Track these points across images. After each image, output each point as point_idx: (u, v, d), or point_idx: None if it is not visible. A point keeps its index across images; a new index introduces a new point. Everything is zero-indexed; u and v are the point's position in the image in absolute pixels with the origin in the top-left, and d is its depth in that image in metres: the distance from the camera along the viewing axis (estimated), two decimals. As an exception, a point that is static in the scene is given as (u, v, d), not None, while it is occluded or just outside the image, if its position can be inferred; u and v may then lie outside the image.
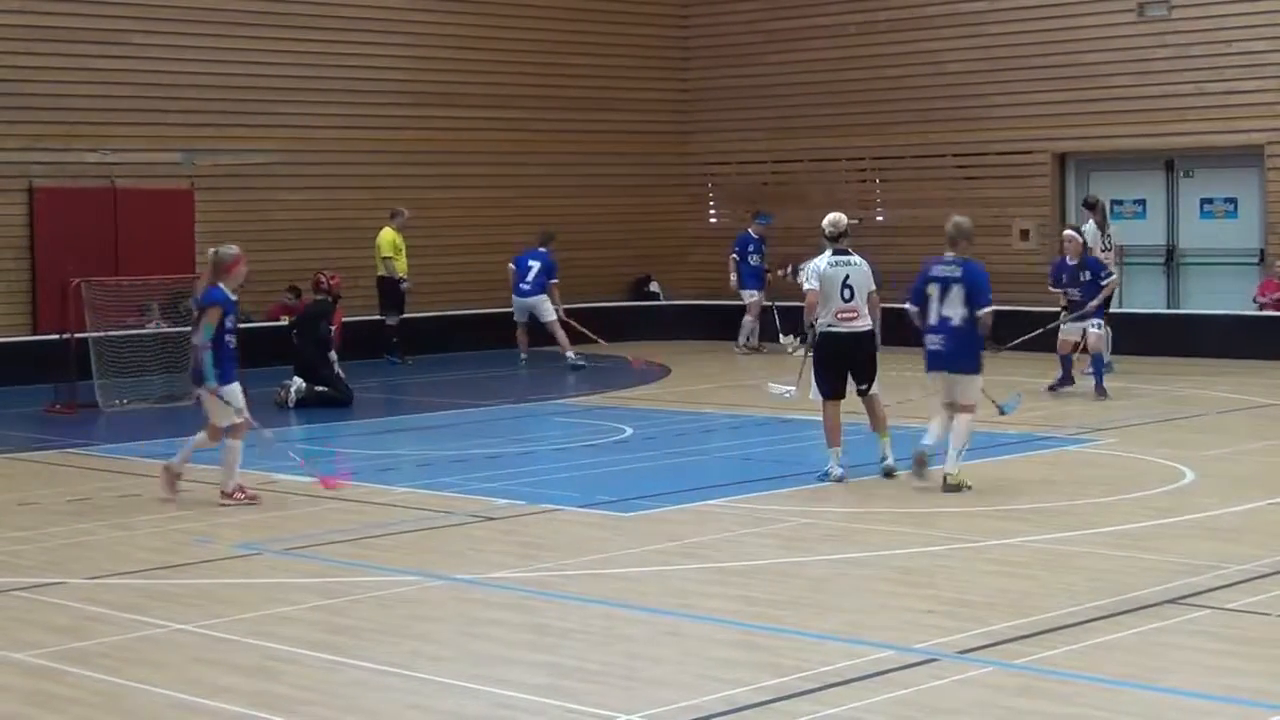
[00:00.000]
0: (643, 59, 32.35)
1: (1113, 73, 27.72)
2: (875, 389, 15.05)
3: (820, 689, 8.43)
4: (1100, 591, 10.45)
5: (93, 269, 22.56)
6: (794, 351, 17.80)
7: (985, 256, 16.92)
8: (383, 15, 28.89)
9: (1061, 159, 28.75)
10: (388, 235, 26.48)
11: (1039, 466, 15.88)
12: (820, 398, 14.94)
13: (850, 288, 14.80)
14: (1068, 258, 21.48)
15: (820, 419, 15.07)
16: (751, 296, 28.18)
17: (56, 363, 21.74)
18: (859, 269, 14.93)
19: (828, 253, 14.97)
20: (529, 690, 8.54)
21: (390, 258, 26.34)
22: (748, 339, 28.09)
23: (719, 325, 29.63)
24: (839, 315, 14.80)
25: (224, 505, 14.09)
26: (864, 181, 30.94)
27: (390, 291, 26.36)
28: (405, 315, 26.66)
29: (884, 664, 8.89)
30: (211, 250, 15.03)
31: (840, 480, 14.62)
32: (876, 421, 15.13)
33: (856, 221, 17.12)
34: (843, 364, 14.91)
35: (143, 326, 23.24)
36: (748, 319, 28.14)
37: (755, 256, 28.39)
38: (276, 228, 27.27)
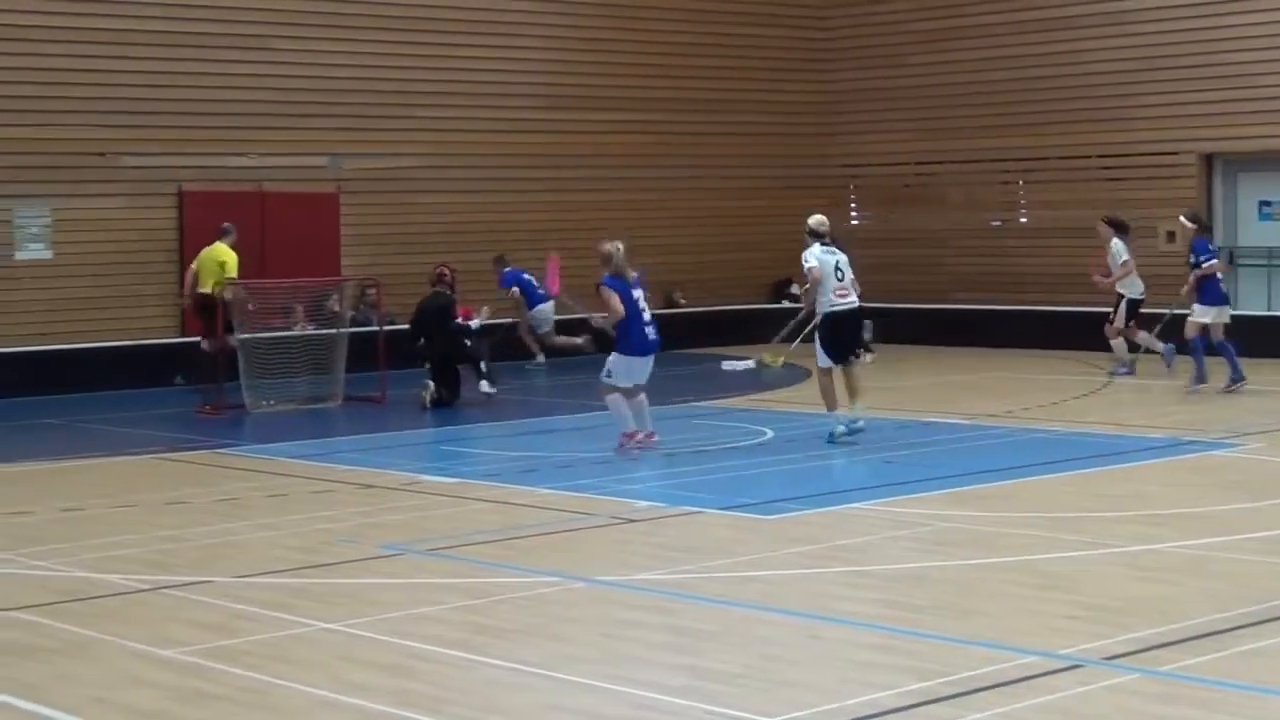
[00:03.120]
0: (783, 60, 32.29)
1: (1260, 71, 27.30)
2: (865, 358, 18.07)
3: (965, 694, 8.38)
4: (1246, 598, 10.31)
5: (241, 272, 22.85)
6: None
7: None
8: (524, 20, 29.06)
9: (1208, 160, 28.35)
10: None
11: (1183, 471, 15.69)
12: (829, 364, 17.37)
13: (841, 270, 17.37)
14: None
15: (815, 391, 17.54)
16: None
17: (205, 365, 22.09)
18: (844, 258, 17.56)
19: (816, 246, 17.41)
20: (668, 692, 8.55)
21: None
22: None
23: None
24: (837, 294, 17.32)
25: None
26: (1006, 184, 30.68)
27: None
28: (556, 318, 26.81)
29: (1029, 669, 8.82)
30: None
31: (844, 436, 17.13)
32: (854, 388, 17.48)
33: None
34: (845, 336, 17.50)
35: (288, 329, 23.53)
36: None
37: None
38: (419, 231, 27.52)
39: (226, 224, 23.29)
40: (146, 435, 19.59)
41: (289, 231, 25.89)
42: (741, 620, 10.13)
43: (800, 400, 21.79)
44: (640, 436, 17.05)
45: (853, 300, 17.53)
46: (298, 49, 26.64)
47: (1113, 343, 23.43)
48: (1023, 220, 30.26)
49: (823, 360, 17.46)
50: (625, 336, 16.98)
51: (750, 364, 18.23)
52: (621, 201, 29.84)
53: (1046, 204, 29.82)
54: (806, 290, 17.88)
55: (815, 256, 17.36)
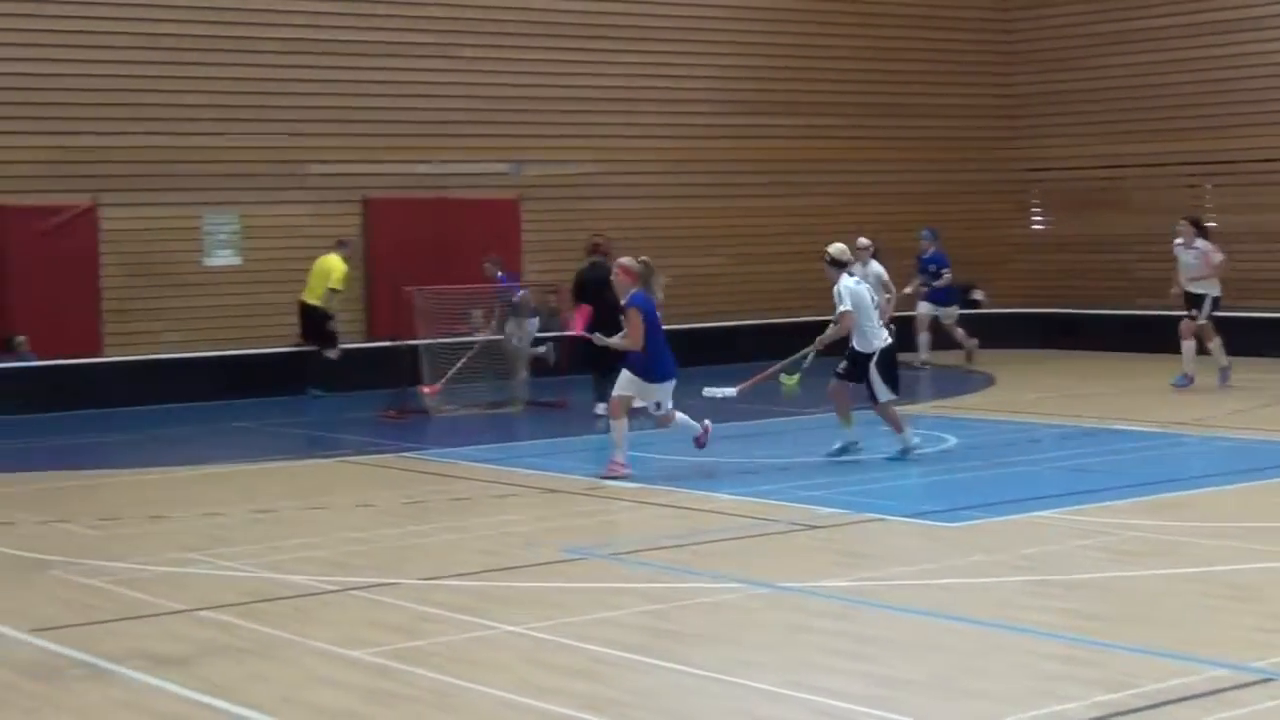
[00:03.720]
0: (964, 64, 32.07)
1: None
2: None
3: (1153, 707, 8.26)
4: None
5: (423, 277, 23.15)
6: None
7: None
8: (706, 25, 29.13)
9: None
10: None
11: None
12: (891, 397, 16.64)
13: (875, 303, 16.88)
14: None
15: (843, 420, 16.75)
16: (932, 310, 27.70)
17: (389, 368, 22.39)
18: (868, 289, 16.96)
19: (845, 279, 16.52)
20: (849, 699, 8.53)
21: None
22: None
23: (1046, 333, 29.21)
24: (880, 327, 16.67)
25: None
26: (1192, 187, 30.19)
27: None
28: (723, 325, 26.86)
29: (1219, 683, 8.68)
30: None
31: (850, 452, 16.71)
32: (844, 413, 16.90)
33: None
34: (894, 366, 16.82)
35: (471, 333, 23.78)
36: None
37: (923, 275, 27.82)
38: (598, 234, 27.62)
39: (345, 239, 23.92)
40: (334, 439, 19.89)
41: (470, 238, 26.14)
42: (923, 628, 10.07)
43: (985, 407, 21.62)
44: (625, 471, 15.96)
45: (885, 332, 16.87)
46: (481, 57, 26.92)
47: (1186, 344, 22.74)
48: (1211, 224, 29.76)
49: (885, 395, 16.62)
50: (644, 361, 16.04)
51: (730, 392, 17.17)
52: (800, 207, 29.82)
53: (1235, 208, 29.30)
54: (836, 326, 16.58)
55: (849, 293, 16.43)
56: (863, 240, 24.62)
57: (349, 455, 18.42)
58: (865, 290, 16.65)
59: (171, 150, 24.60)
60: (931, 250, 27.50)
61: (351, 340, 25.43)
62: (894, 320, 20.04)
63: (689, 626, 10.26)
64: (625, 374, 16.05)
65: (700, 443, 16.58)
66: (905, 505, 14.26)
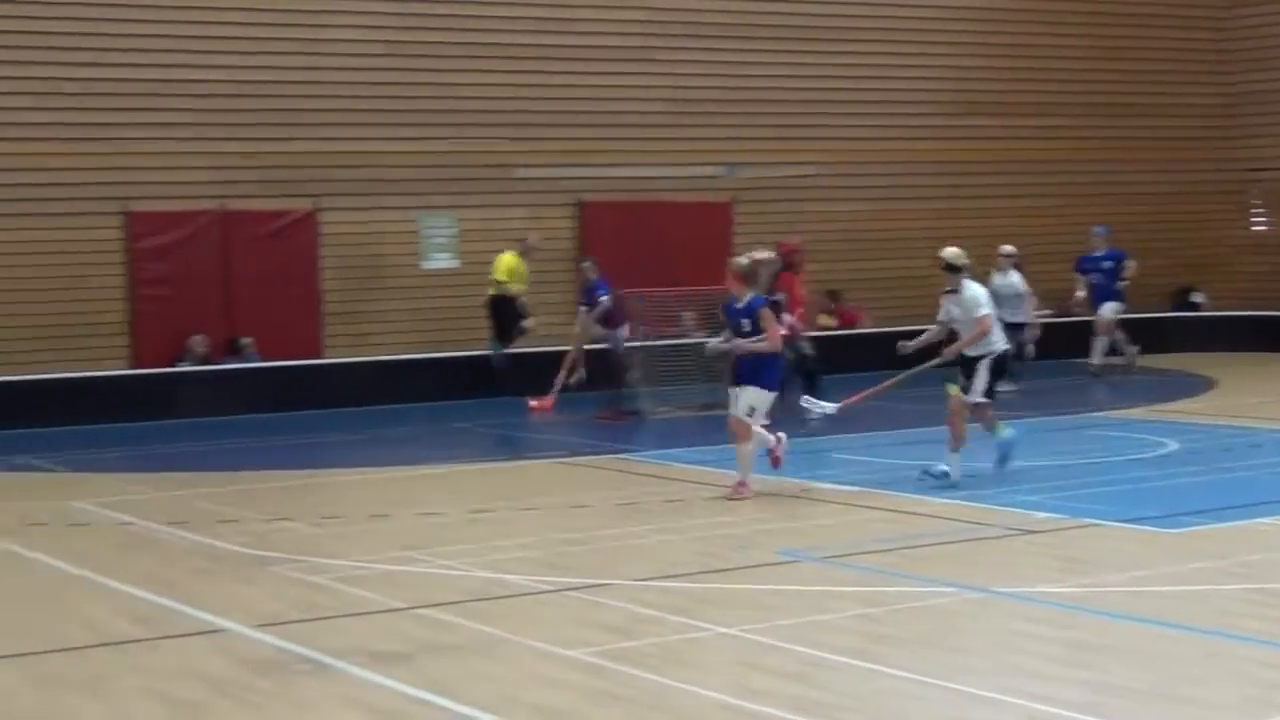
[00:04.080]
0: (1181, 64, 31.52)
1: None
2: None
3: (1377, 717, 8.11)
4: None
5: (636, 280, 23.29)
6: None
7: None
8: (926, 25, 28.99)
9: None
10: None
11: None
12: (984, 400, 15.85)
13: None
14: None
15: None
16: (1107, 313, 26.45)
17: (603, 371, 22.57)
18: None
19: (972, 284, 15.92)
20: (1067, 706, 8.46)
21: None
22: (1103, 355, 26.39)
23: (1266, 336, 28.62)
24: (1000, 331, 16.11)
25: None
26: None
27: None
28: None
29: None
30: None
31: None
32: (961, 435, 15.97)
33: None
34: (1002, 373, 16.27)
35: (684, 336, 23.86)
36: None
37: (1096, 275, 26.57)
38: (814, 240, 27.56)
39: (525, 238, 24.41)
40: (551, 440, 20.10)
41: (683, 241, 26.25)
42: (1141, 635, 9.95)
43: (1204, 411, 21.27)
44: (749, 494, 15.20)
45: None
46: (694, 59, 27.02)
47: None
48: None
49: (978, 395, 15.77)
50: (770, 368, 15.43)
51: (831, 409, 16.65)
52: (1022, 208, 29.50)
53: None
54: (970, 336, 15.71)
55: (986, 296, 15.96)
56: (1007, 248, 24.31)
57: (565, 457, 18.61)
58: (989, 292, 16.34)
59: (389, 155, 25.03)
60: (1105, 248, 26.48)
61: (560, 342, 25.65)
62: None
63: (902, 630, 10.24)
64: (757, 391, 15.24)
65: (775, 459, 15.73)
66: (1122, 510, 14.07)
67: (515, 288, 24.37)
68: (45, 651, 10.13)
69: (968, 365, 15.80)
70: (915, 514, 14.29)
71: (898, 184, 28.62)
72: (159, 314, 23.79)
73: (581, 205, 26.37)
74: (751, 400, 15.14)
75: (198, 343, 23.81)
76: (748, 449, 15.19)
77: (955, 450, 15.67)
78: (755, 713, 8.49)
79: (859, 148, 28.33)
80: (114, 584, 12.11)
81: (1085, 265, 26.52)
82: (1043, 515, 13.96)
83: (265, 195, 24.37)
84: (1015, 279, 24.14)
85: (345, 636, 10.23)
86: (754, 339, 15.17)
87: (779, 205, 27.63)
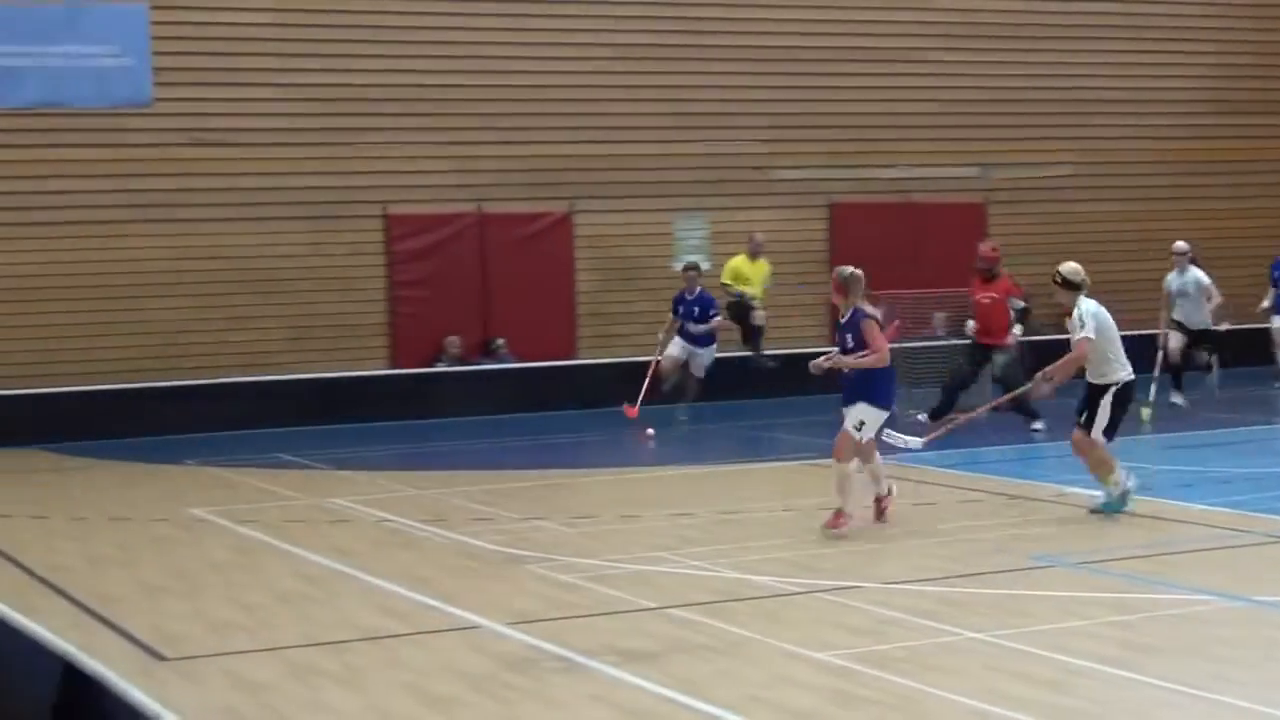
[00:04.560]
0: None
1: None
2: None
3: None
4: None
5: (888, 281, 23.11)
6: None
7: None
8: (1193, 24, 28.39)
9: None
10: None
11: None
12: (1105, 440, 14.27)
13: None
14: None
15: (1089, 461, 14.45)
16: None
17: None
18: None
19: (1084, 299, 14.25)
20: (1332, 719, 8.25)
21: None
22: None
23: None
24: (1125, 359, 14.31)
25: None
26: None
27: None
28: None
29: None
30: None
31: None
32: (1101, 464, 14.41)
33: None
34: (1126, 407, 14.48)
35: (937, 338, 23.69)
36: None
37: None
38: (1071, 240, 27.14)
39: (754, 237, 24.30)
40: (802, 442, 20.05)
41: (936, 242, 26.04)
42: None
43: None
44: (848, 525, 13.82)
45: None
46: (949, 60, 26.78)
47: None
48: None
49: (1100, 432, 14.25)
50: (880, 382, 13.98)
51: (916, 444, 15.44)
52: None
53: None
54: (1068, 360, 14.32)
55: (1092, 317, 14.10)
56: (1180, 245, 22.78)
57: (815, 458, 18.55)
58: (1108, 314, 14.24)
59: (643, 158, 25.20)
60: None
61: (817, 344, 25.60)
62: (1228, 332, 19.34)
63: (1159, 638, 10.05)
64: (866, 408, 13.85)
65: (880, 511, 14.36)
66: (1392, 519, 13.66)
67: (749, 290, 24.28)
68: (305, 645, 10.38)
69: (1092, 396, 14.30)
70: (1172, 520, 14.03)
71: (1154, 184, 28.05)
72: (417, 315, 24.22)
73: (833, 207, 26.29)
74: (861, 415, 13.77)
75: (453, 343, 24.20)
76: (847, 471, 13.72)
77: (1111, 480, 14.30)
78: (1006, 719, 8.40)
79: (1118, 146, 27.84)
80: (372, 580, 12.37)
81: (1275, 273, 25.11)
82: (1306, 523, 13.61)
83: (522, 198, 24.69)
84: (1193, 276, 22.42)
85: (595, 635, 10.32)
86: (858, 354, 13.77)
87: (1033, 206, 27.29)
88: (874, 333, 13.75)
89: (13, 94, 22.06)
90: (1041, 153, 27.41)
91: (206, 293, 23.14)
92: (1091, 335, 13.99)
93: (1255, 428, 20.05)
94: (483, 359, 24.47)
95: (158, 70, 22.70)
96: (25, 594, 11.96)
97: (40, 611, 11.01)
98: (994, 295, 20.81)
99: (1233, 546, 12.87)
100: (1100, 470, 14.31)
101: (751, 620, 10.71)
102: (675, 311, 22.85)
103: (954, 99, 26.86)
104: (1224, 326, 22.95)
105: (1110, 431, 14.22)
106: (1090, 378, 14.26)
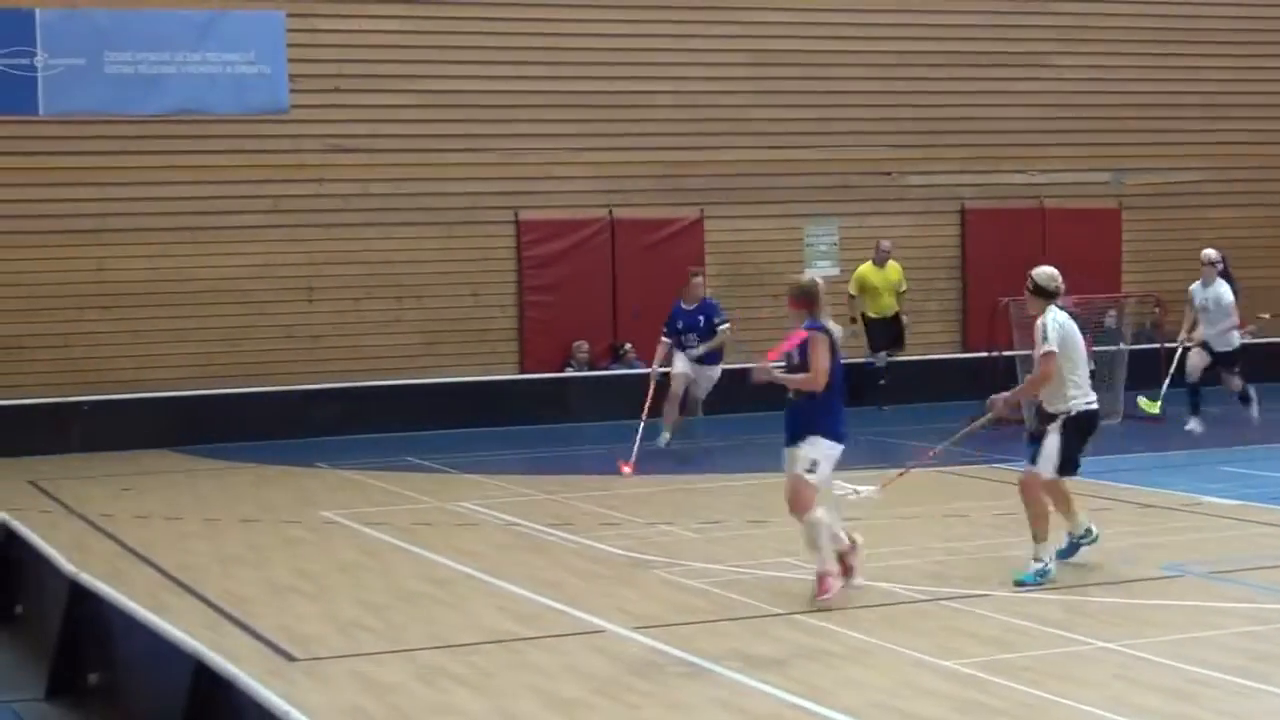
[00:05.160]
0: None
1: None
2: None
3: None
4: None
5: (1019, 288, 22.93)
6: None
7: None
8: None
9: None
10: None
11: None
12: (1053, 477, 12.17)
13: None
14: None
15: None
16: None
17: (984, 379, 22.29)
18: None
19: (1053, 309, 12.30)
20: None
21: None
22: None
23: None
24: (1089, 384, 12.36)
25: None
26: None
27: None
28: None
29: None
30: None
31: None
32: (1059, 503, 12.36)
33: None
34: (1086, 442, 12.40)
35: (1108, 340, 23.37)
36: None
37: None
38: (1203, 246, 26.85)
39: (880, 244, 24.50)
40: (924, 449, 19.90)
41: (1069, 247, 25.80)
42: None
43: None
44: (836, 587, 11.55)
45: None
46: (1080, 64, 26.55)
47: None
48: None
49: (1049, 469, 12.18)
50: (832, 412, 11.75)
51: (872, 491, 12.68)
52: None
53: None
54: (1030, 380, 12.56)
55: (1056, 329, 12.16)
56: (1211, 253, 20.79)
57: (940, 466, 18.45)
58: (1076, 330, 12.36)
59: (773, 164, 25.15)
60: None
61: (948, 350, 25.50)
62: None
63: (1291, 650, 9.93)
64: (817, 441, 11.67)
65: (848, 569, 11.77)
66: None
67: (883, 302, 24.34)
68: (433, 647, 10.48)
69: (1042, 423, 12.38)
70: (1308, 530, 13.84)
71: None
72: (547, 320, 24.33)
73: (965, 212, 26.15)
74: (811, 454, 11.59)
75: (581, 348, 24.29)
76: (816, 520, 11.53)
77: (1042, 538, 12.11)
78: (1134, 729, 8.34)
79: (1249, 152, 27.42)
80: (498, 583, 12.46)
81: None
82: None
83: (653, 204, 24.74)
84: (1215, 292, 20.46)
85: (721, 640, 10.34)
86: (797, 374, 11.74)
87: (1167, 212, 26.98)
88: (818, 351, 11.57)
89: (153, 100, 22.40)
90: (1175, 157, 27.10)
91: (341, 297, 23.37)
92: (1055, 348, 12.06)
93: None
94: (611, 364, 24.55)
95: (294, 78, 22.97)
96: (158, 593, 12.17)
97: (172, 610, 11.19)
98: None
99: (1369, 558, 12.68)
100: (1040, 525, 12.03)
101: (877, 627, 10.69)
102: (671, 329, 19.94)
103: (1087, 104, 26.61)
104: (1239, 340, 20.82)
105: (1067, 468, 12.25)
106: (1045, 403, 12.31)
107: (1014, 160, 26.30)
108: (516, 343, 24.34)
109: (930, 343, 25.48)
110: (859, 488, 12.31)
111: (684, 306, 19.94)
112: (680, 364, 19.80)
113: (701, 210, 24.94)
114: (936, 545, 13.55)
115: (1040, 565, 11.94)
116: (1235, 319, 20.54)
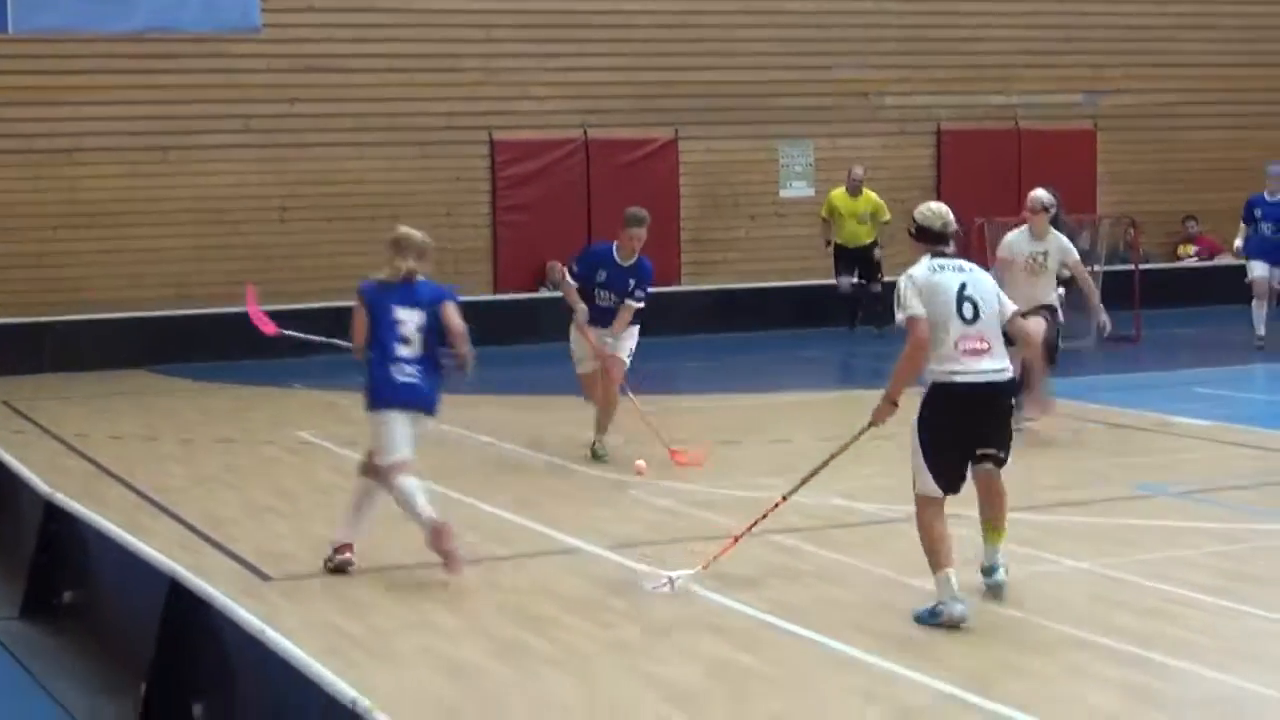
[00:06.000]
0: None
1: None
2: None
3: None
4: None
5: (994, 209, 22.96)
6: None
7: None
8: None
9: None
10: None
11: None
12: (935, 491, 9.16)
13: (974, 303, 9.17)
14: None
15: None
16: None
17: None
18: (979, 279, 9.36)
19: (925, 259, 9.35)
20: None
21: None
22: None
23: None
24: (964, 351, 9.05)
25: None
26: None
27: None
28: None
29: None
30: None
31: (963, 620, 8.82)
32: (996, 512, 9.42)
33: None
34: (968, 434, 9.16)
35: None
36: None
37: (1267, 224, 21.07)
38: (1178, 168, 26.91)
39: (852, 170, 23.97)
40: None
41: (1044, 169, 25.78)
42: None
43: None
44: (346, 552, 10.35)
45: (995, 364, 9.17)
46: (1059, -15, 26.50)
47: None
48: None
49: (925, 483, 9.20)
50: (370, 377, 10.37)
51: (674, 579, 9.65)
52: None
53: None
54: (902, 363, 9.30)
55: (915, 292, 9.18)
56: (1042, 195, 15.18)
57: (914, 387, 18.46)
58: (954, 281, 9.27)
59: (748, 85, 25.06)
60: None
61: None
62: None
63: (1263, 569, 10.00)
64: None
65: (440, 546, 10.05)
66: None
67: (850, 230, 23.89)
68: (407, 566, 10.48)
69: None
70: (1277, 450, 13.88)
71: (1263, 112, 27.57)
72: (520, 240, 24.27)
73: (940, 133, 26.10)
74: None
75: (555, 269, 24.23)
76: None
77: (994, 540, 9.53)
78: (1112, 649, 8.37)
79: (1221, 74, 27.37)
80: (474, 502, 12.47)
81: (1256, 211, 21.25)
82: None
83: (627, 124, 24.64)
84: (1061, 242, 15.12)
85: (696, 560, 10.34)
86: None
87: (1142, 134, 26.96)
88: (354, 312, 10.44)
89: (124, 18, 22.18)
90: (1149, 79, 27.05)
91: (314, 217, 23.29)
92: (919, 313, 9.12)
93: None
94: (587, 285, 24.48)
95: (266, -5, 22.83)
96: (133, 514, 12.14)
97: (147, 531, 11.17)
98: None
99: (1341, 478, 12.75)
100: (929, 553, 9.15)
101: (853, 547, 10.72)
102: (585, 276, 14.48)
103: (1062, 24, 26.53)
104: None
105: (941, 480, 9.16)
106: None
107: (990, 82, 26.24)
108: (490, 263, 24.29)
109: (907, 263, 25.40)
110: (674, 574, 9.76)
111: (617, 260, 14.30)
112: (582, 344, 14.61)
113: (676, 131, 24.85)
114: (909, 465, 13.52)
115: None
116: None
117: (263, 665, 7.07)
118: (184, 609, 8.07)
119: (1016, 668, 8.17)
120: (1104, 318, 15.11)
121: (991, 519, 9.40)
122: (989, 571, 9.40)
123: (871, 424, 9.58)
